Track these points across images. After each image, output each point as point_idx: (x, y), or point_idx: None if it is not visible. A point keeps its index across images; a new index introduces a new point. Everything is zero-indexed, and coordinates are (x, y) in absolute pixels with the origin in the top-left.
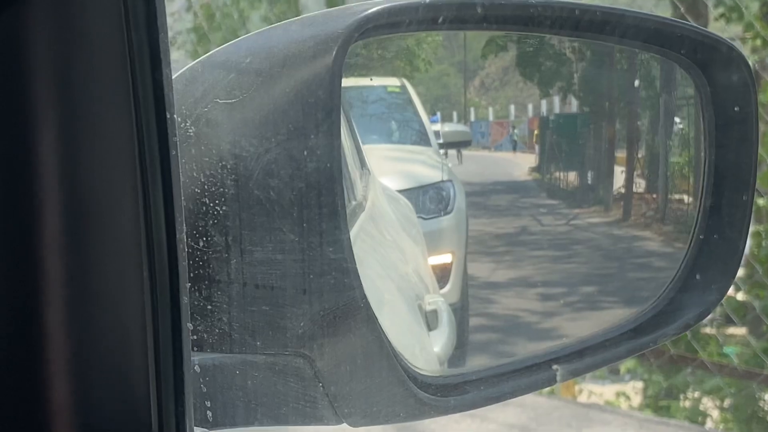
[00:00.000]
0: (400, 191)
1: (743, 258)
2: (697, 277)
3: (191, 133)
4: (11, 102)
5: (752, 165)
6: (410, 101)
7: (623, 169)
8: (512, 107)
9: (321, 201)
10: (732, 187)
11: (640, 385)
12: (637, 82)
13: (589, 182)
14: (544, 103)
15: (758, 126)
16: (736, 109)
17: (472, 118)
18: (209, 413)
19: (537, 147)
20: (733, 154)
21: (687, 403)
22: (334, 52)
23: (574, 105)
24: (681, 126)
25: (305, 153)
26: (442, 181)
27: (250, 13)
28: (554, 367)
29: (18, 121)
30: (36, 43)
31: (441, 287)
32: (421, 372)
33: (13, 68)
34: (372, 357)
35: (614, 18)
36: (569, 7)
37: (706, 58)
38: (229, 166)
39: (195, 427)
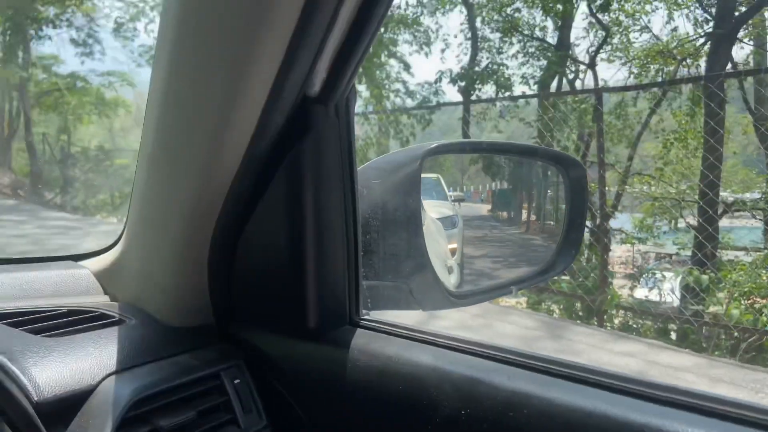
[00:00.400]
0: (436, 218)
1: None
2: (573, 251)
3: (364, 194)
4: (298, 186)
5: (586, 208)
6: (440, 183)
7: (526, 210)
8: (480, 185)
9: (415, 221)
10: (579, 217)
11: (525, 299)
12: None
13: (512, 216)
14: (494, 184)
15: (588, 193)
16: (584, 184)
17: (464, 189)
18: (369, 304)
19: (491, 202)
20: (579, 203)
21: (544, 307)
22: (419, 161)
23: (505, 185)
24: (551, 194)
25: (410, 201)
26: (452, 215)
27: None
28: (511, 287)
29: (300, 197)
30: (305, 164)
31: (452, 256)
32: (450, 289)
33: (298, 180)
34: (431, 283)
35: (535, 149)
36: (517, 144)
37: (568, 164)
38: (378, 206)
39: (363, 310)
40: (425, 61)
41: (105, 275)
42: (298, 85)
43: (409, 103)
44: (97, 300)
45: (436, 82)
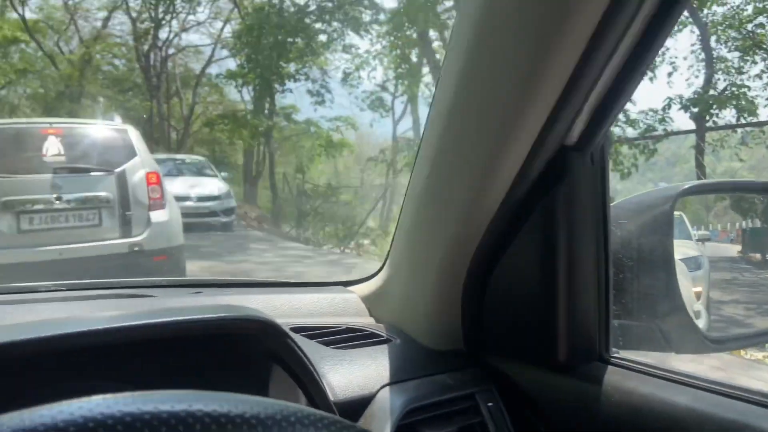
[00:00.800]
0: (679, 259)
1: None
2: None
3: (616, 234)
4: (552, 227)
5: None
6: (683, 221)
7: None
8: (728, 224)
9: (667, 262)
10: None
11: None
12: None
13: (766, 258)
14: (744, 222)
15: None
16: None
17: (710, 228)
18: (620, 342)
19: (741, 242)
20: None
21: None
22: (672, 202)
23: (758, 223)
24: None
25: (662, 241)
26: (697, 256)
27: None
28: None
29: (553, 237)
30: (560, 207)
31: (698, 300)
32: (707, 333)
33: (553, 221)
34: (685, 326)
35: None
36: None
37: None
38: (629, 245)
39: (612, 348)
40: (649, 86)
41: (370, 299)
42: (559, 136)
43: (630, 132)
44: (365, 321)
45: (664, 109)
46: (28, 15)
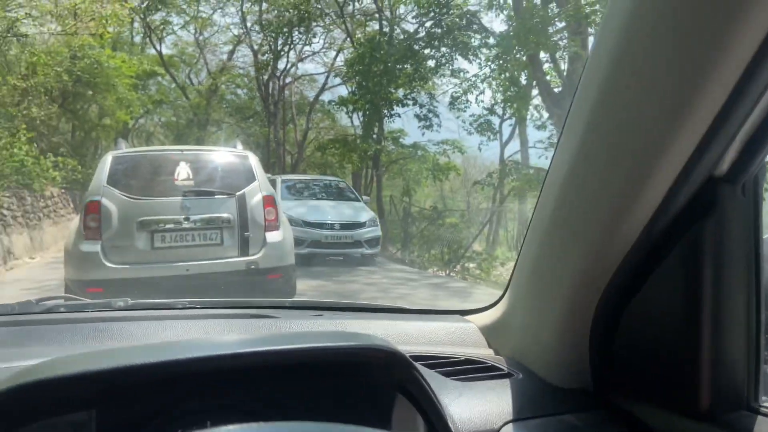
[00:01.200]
0: None
1: None
2: None
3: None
4: (697, 263)
5: None
6: None
7: None
8: None
9: None
10: None
11: None
12: None
13: None
14: None
15: None
16: None
17: None
18: None
19: None
20: None
21: None
22: None
23: None
24: None
25: None
26: None
27: None
28: None
29: (698, 274)
30: (706, 242)
31: None
32: None
33: (697, 257)
34: None
35: None
36: None
37: None
38: None
39: (763, 396)
40: None
41: (489, 330)
42: (708, 165)
43: None
44: (484, 352)
45: None
46: (165, 51)
